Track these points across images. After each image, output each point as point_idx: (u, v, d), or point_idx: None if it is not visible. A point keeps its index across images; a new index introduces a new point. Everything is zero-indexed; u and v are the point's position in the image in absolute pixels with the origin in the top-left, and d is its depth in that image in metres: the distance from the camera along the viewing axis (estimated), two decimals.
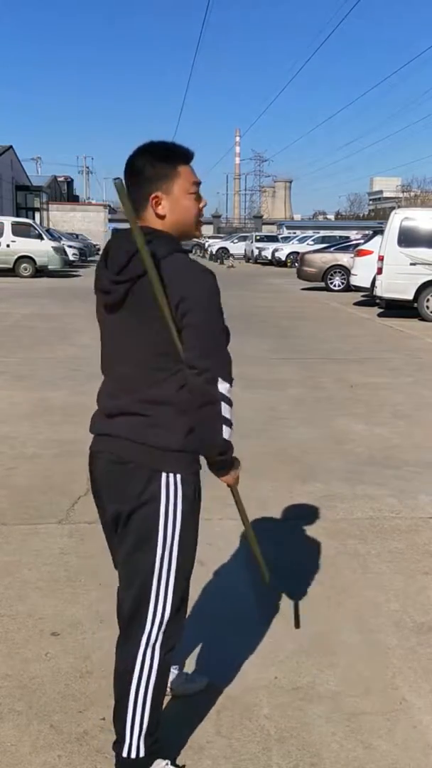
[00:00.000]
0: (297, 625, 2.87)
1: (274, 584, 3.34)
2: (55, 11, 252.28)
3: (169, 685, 2.48)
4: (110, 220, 53.01)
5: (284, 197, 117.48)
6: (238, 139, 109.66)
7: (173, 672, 2.54)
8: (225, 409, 1.89)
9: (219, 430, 1.90)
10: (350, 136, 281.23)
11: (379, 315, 14.77)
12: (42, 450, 5.30)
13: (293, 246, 34.70)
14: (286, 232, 46.75)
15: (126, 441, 1.95)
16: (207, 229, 62.98)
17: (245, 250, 43.02)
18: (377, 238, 15.68)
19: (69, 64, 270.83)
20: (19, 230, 24.55)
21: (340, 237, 29.68)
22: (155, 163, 1.92)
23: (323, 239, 31.17)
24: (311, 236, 35.37)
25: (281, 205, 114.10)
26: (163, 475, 1.94)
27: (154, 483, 1.94)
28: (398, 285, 13.84)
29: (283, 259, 34.39)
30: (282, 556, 3.66)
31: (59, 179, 70.54)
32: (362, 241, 19.55)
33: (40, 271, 24.56)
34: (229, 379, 1.90)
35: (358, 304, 17.18)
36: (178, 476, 1.95)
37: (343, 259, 20.83)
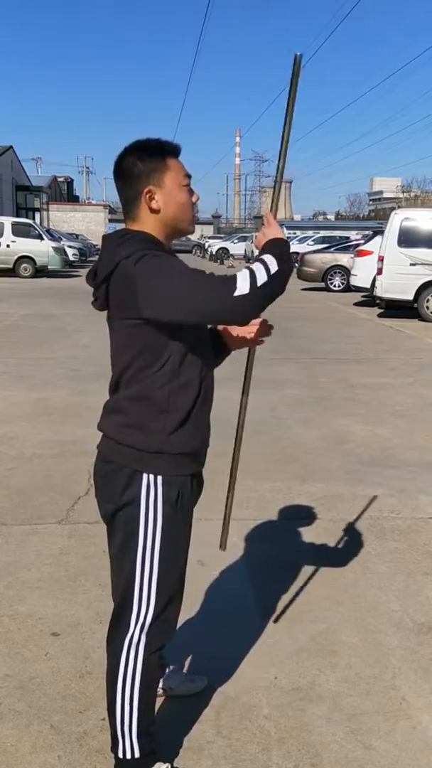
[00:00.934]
0: None
1: (274, 584, 3.35)
2: (55, 11, 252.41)
3: (168, 684, 2.49)
4: (110, 221, 53.08)
5: (284, 197, 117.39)
6: (238, 139, 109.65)
7: (172, 671, 2.54)
8: (260, 278, 1.76)
9: (276, 273, 1.79)
10: (350, 137, 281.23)
11: (379, 315, 14.78)
12: (42, 450, 5.30)
13: (293, 246, 34.55)
14: (286, 233, 46.49)
15: (110, 440, 1.97)
16: (207, 230, 63.01)
17: (245, 251, 42.95)
18: (377, 239, 15.69)
19: (69, 65, 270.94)
20: (19, 230, 24.55)
21: (340, 237, 29.69)
22: (144, 158, 1.91)
23: (323, 239, 31.16)
24: (311, 236, 35.36)
25: (281, 205, 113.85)
26: (144, 476, 1.92)
27: (134, 484, 1.93)
28: (398, 285, 13.84)
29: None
30: (282, 556, 3.66)
31: (59, 179, 70.60)
32: (362, 241, 19.56)
33: (40, 272, 24.57)
34: (244, 283, 1.74)
35: (358, 304, 17.19)
36: (159, 478, 1.92)
37: (343, 259, 20.84)
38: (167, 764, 2.11)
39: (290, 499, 4.41)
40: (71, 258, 28.88)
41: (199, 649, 2.83)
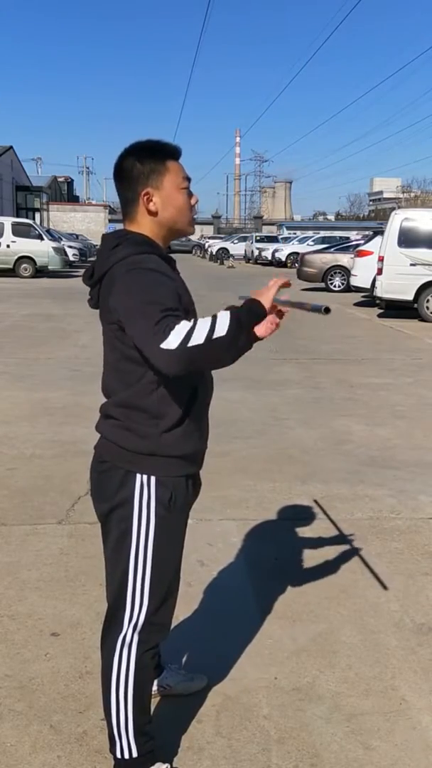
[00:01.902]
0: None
1: (274, 584, 3.35)
2: (55, 11, 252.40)
3: (167, 683, 2.49)
4: (110, 221, 53.10)
5: (284, 198, 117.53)
6: (238, 139, 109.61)
7: (171, 670, 2.54)
8: (196, 338, 1.64)
9: (220, 339, 1.67)
10: (350, 137, 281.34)
11: (379, 316, 14.78)
12: (42, 450, 5.30)
13: (293, 246, 34.69)
14: (286, 233, 46.79)
15: (105, 440, 1.98)
16: (207, 230, 63.00)
17: (245, 251, 42.99)
18: (377, 239, 15.68)
19: (69, 65, 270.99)
20: (20, 230, 24.54)
21: (341, 237, 29.69)
22: (143, 160, 1.91)
23: (323, 240, 31.18)
24: (311, 237, 35.39)
25: (281, 205, 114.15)
26: (137, 476, 1.92)
27: (128, 484, 1.93)
28: (398, 286, 13.84)
29: (284, 259, 34.38)
30: (282, 556, 3.66)
31: (59, 180, 70.64)
32: (362, 241, 19.56)
33: (40, 272, 24.56)
34: (175, 339, 1.64)
35: (358, 304, 17.19)
36: (152, 479, 1.92)
37: (343, 259, 20.84)
38: (167, 764, 2.11)
39: (290, 499, 4.41)
40: (71, 258, 28.86)
41: (199, 649, 2.83)
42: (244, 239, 45.82)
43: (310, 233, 39.92)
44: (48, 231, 28.75)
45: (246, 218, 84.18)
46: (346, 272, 20.46)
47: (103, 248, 1.94)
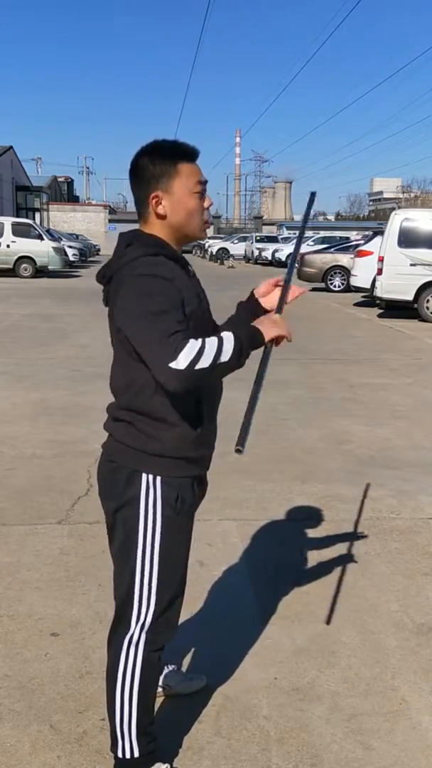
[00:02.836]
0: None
1: (274, 584, 3.35)
2: (55, 11, 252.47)
3: (167, 683, 2.49)
4: (110, 221, 53.07)
5: (284, 198, 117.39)
6: (238, 139, 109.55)
7: (171, 670, 2.54)
8: (203, 362, 1.69)
9: (222, 364, 1.73)
10: (350, 137, 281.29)
11: (379, 316, 14.78)
12: (42, 450, 5.30)
13: (293, 247, 34.67)
14: (286, 233, 46.72)
15: (113, 440, 1.99)
16: (208, 230, 62.93)
17: (245, 251, 42.99)
18: (377, 239, 15.68)
19: (69, 65, 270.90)
20: (20, 230, 24.54)
21: (341, 238, 29.69)
22: (156, 161, 1.89)
23: (323, 240, 31.16)
24: (311, 237, 35.37)
25: (281, 205, 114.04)
26: (144, 476, 1.92)
27: (135, 484, 1.93)
28: (398, 286, 13.83)
29: (284, 259, 34.35)
30: (282, 556, 3.66)
31: (59, 180, 70.60)
32: (362, 241, 19.55)
33: (41, 272, 24.56)
34: (184, 359, 1.68)
35: (358, 304, 17.19)
36: (158, 478, 1.92)
37: (343, 259, 20.83)
38: (167, 764, 2.11)
39: (290, 499, 4.41)
40: (71, 258, 28.86)
41: (199, 649, 2.83)
42: (244, 239, 45.83)
43: (310, 233, 39.89)
44: (48, 231, 28.76)
45: (246, 218, 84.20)
46: (346, 272, 20.45)
47: (117, 247, 1.94)
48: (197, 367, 1.69)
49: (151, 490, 1.93)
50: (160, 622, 2.00)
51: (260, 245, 40.01)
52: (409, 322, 13.65)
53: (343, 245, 22.92)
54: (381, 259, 14.03)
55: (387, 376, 8.50)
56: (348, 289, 19.50)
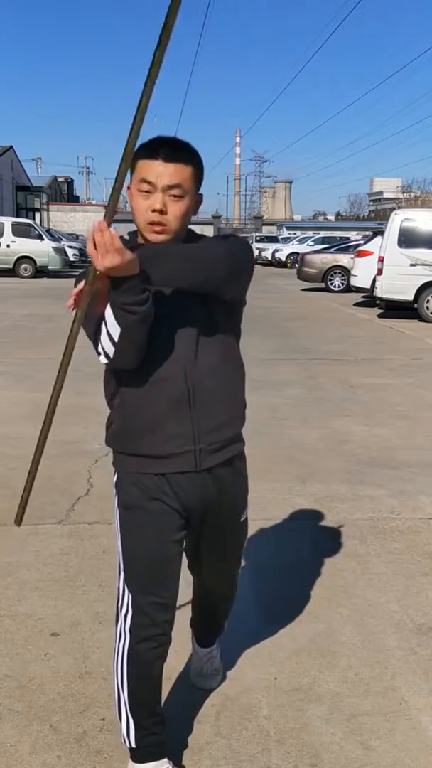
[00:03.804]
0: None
1: (274, 584, 3.35)
2: (55, 11, 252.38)
3: (198, 664, 2.55)
4: None
5: (284, 198, 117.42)
6: (238, 139, 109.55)
7: (201, 655, 2.55)
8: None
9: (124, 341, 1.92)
10: (350, 137, 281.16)
11: (379, 316, 14.78)
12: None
13: (293, 247, 34.70)
14: (286, 233, 46.75)
15: None
16: (207, 230, 63.00)
17: None
18: (377, 239, 15.69)
19: (69, 64, 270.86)
20: (20, 231, 24.57)
21: (341, 238, 29.71)
22: (136, 154, 1.83)
23: (323, 240, 31.20)
24: (311, 237, 35.40)
25: (281, 205, 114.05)
26: (114, 468, 2.09)
27: (113, 478, 2.09)
28: (398, 286, 13.84)
29: (284, 259, 34.40)
30: (282, 556, 3.66)
31: (59, 180, 70.66)
32: (362, 241, 19.57)
33: (41, 272, 24.57)
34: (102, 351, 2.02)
35: (358, 304, 17.19)
36: (117, 473, 2.07)
37: (344, 259, 20.85)
38: (168, 761, 2.10)
39: (290, 499, 4.41)
40: (71, 258, 28.85)
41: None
42: None
43: (310, 233, 39.92)
44: (48, 231, 28.76)
45: (246, 218, 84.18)
46: (346, 272, 20.46)
47: None
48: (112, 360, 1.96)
49: (117, 484, 2.07)
50: (135, 613, 1.99)
51: (260, 245, 40.00)
52: (409, 322, 13.66)
53: (343, 245, 22.94)
54: (381, 259, 14.04)
55: (387, 376, 8.50)
56: (348, 289, 19.52)
